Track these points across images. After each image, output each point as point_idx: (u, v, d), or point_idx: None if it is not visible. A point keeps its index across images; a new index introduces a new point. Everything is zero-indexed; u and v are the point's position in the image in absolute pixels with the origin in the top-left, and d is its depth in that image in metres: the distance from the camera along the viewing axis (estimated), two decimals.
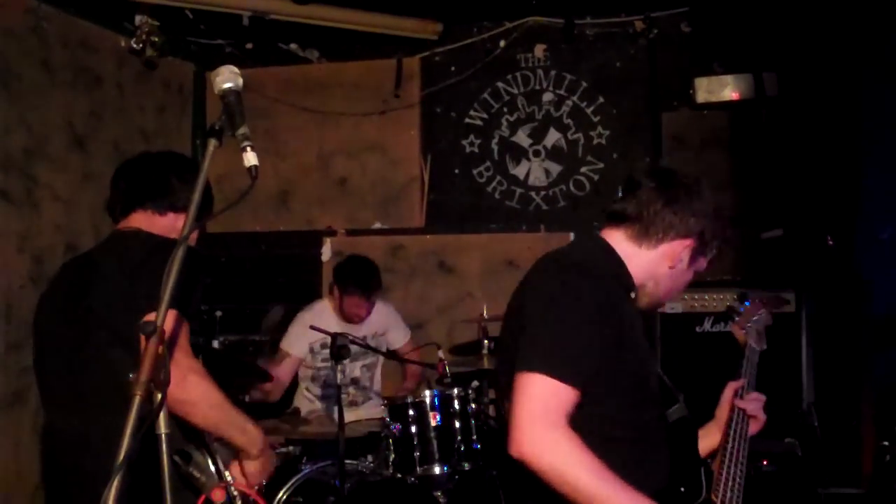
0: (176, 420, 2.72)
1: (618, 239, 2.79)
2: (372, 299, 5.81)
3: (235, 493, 2.81)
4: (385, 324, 6.03)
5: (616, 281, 2.72)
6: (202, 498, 2.63)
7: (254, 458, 2.90)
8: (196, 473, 2.69)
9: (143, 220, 3.08)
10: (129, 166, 3.23)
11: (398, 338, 6.12)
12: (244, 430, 2.88)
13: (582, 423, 2.45)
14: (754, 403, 3.03)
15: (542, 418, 2.42)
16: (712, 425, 3.05)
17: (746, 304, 3.42)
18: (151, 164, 3.21)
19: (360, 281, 5.79)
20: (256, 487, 2.96)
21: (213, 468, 2.79)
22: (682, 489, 2.55)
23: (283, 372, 5.81)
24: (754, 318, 3.27)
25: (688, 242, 2.78)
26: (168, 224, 3.09)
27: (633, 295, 2.78)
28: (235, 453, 2.93)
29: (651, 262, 2.78)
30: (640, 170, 2.90)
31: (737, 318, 3.33)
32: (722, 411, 3.04)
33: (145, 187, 3.12)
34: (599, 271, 2.68)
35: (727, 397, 3.05)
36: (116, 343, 2.80)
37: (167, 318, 2.49)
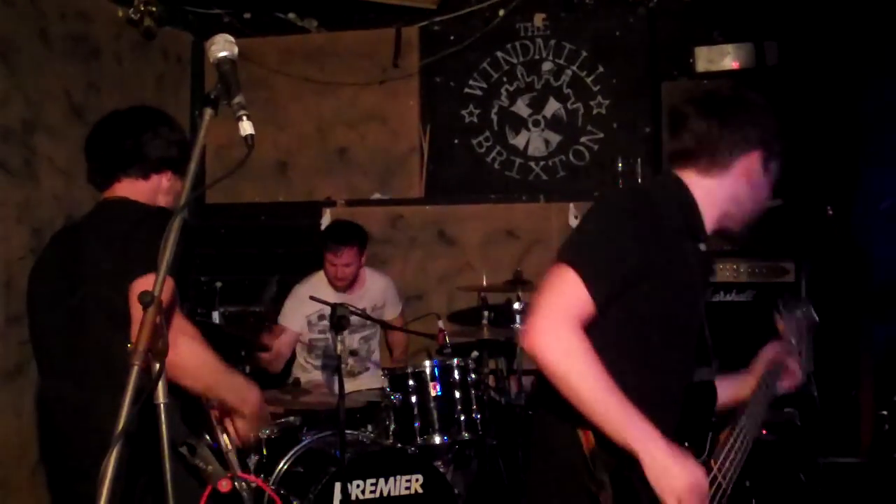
0: (181, 411, 2.78)
1: (691, 178, 2.79)
2: (345, 253, 5.73)
3: (244, 484, 2.83)
4: (384, 297, 6.03)
5: (683, 223, 2.72)
6: (209, 489, 2.63)
7: (245, 417, 3.00)
8: (202, 465, 2.69)
9: (127, 188, 3.09)
10: (100, 133, 3.21)
11: (391, 311, 6.12)
12: (237, 392, 2.98)
13: (599, 342, 2.44)
14: (795, 361, 3.15)
15: (558, 310, 2.44)
16: (747, 376, 3.07)
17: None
18: (121, 126, 3.19)
19: (333, 233, 5.81)
20: (245, 442, 3.05)
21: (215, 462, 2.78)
22: (686, 444, 2.55)
23: (281, 345, 5.82)
24: (799, 312, 3.29)
25: (756, 154, 2.83)
26: (152, 186, 3.13)
27: (702, 246, 2.78)
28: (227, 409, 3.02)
29: (730, 186, 2.80)
30: (680, 102, 2.91)
31: (782, 309, 3.35)
32: (758, 366, 3.10)
33: (121, 155, 3.12)
34: (666, 206, 2.70)
35: (768, 355, 3.11)
36: (104, 314, 2.83)
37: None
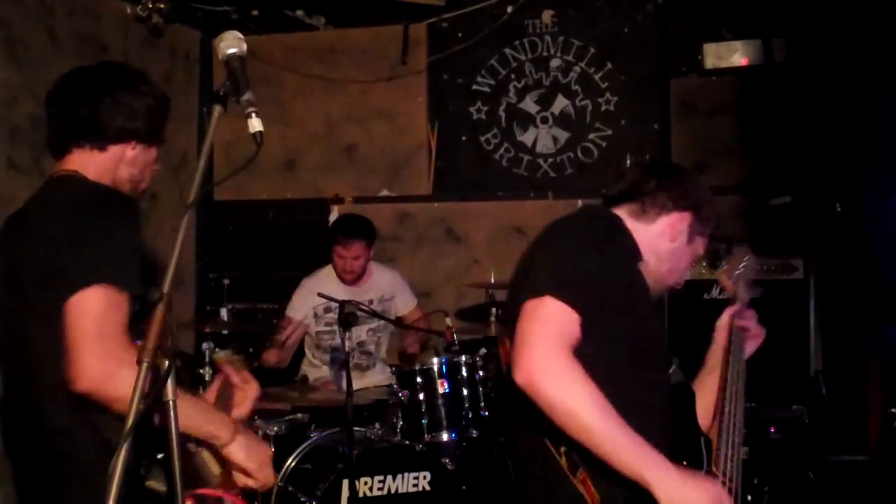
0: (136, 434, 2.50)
1: (623, 215, 2.82)
2: (353, 246, 5.75)
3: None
4: (392, 289, 6.03)
5: (631, 244, 2.76)
6: None
7: (228, 443, 2.54)
8: (158, 486, 2.48)
9: (80, 160, 2.73)
10: (59, 90, 2.79)
11: (405, 304, 6.11)
12: (202, 418, 2.52)
13: (584, 364, 2.42)
14: (752, 321, 3.09)
15: (551, 340, 2.41)
16: (705, 376, 3.05)
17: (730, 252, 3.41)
18: (82, 86, 2.77)
19: (342, 226, 5.83)
20: (263, 484, 2.69)
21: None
22: (685, 463, 2.55)
23: (289, 338, 5.83)
24: (742, 265, 3.25)
25: (686, 216, 2.82)
26: (111, 157, 2.74)
27: (639, 264, 2.78)
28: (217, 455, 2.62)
29: (652, 236, 2.81)
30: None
31: (724, 266, 3.31)
32: (720, 335, 3.08)
33: (73, 123, 2.73)
34: (613, 230, 2.74)
35: (724, 322, 3.08)
36: (35, 316, 2.53)
37: (95, 294, 2.38)
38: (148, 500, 2.46)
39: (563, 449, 2.53)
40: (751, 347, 3.10)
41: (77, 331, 2.36)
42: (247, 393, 2.82)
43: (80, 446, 2.52)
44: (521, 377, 2.40)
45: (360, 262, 5.77)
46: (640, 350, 2.67)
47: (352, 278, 5.79)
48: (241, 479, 2.63)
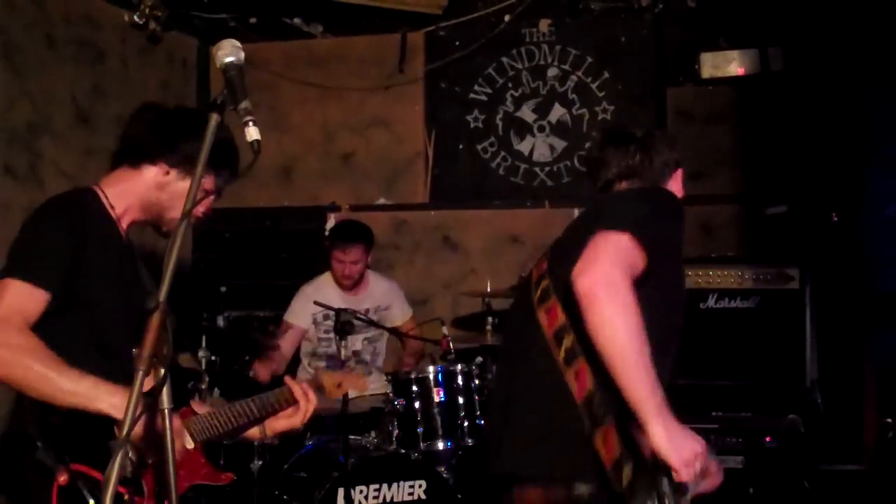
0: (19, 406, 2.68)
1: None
2: (352, 251, 5.75)
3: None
4: (388, 298, 6.03)
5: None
6: (55, 484, 2.51)
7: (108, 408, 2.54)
8: (46, 460, 2.55)
9: (112, 178, 2.94)
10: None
11: (401, 314, 6.11)
12: (76, 394, 2.55)
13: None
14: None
15: (621, 264, 2.52)
16: None
17: None
18: (136, 115, 3.04)
19: (340, 235, 5.84)
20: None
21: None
22: None
23: (286, 344, 5.83)
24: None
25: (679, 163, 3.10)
26: (140, 178, 2.91)
27: None
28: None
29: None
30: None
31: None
32: None
33: (122, 142, 3.00)
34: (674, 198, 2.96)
35: None
36: None
37: (3, 284, 2.60)
38: (36, 471, 2.53)
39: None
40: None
41: None
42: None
43: None
44: (584, 284, 2.49)
45: (359, 267, 5.77)
46: (668, 317, 2.80)
47: (350, 283, 5.78)
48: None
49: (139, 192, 2.90)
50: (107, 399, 2.52)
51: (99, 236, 2.78)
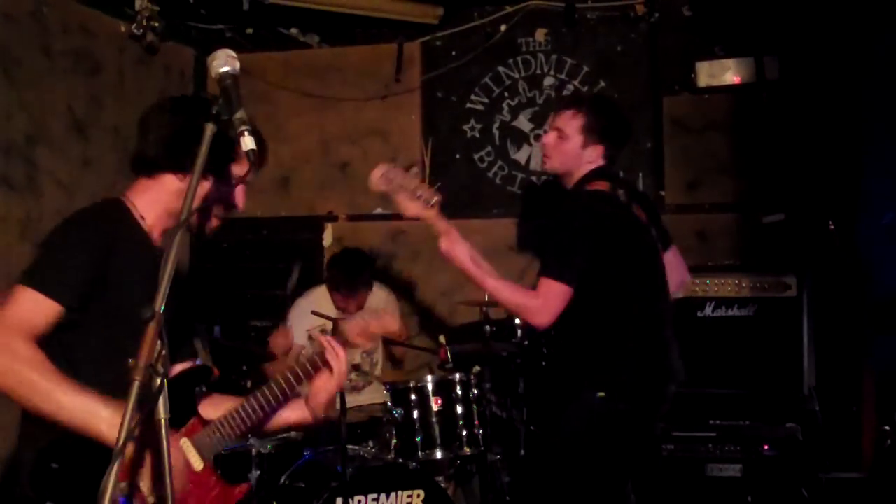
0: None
1: None
2: (360, 297, 5.74)
3: None
4: (387, 309, 6.01)
5: None
6: None
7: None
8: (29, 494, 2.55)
9: (136, 188, 2.93)
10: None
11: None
12: (73, 410, 2.51)
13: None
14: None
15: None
16: None
17: None
18: (143, 117, 3.00)
19: (346, 282, 5.75)
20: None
21: None
22: None
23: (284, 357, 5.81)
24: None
25: None
26: (159, 186, 2.91)
27: None
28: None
29: None
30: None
31: None
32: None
33: (134, 151, 2.96)
34: None
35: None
36: None
37: (18, 291, 2.60)
38: None
39: None
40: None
41: None
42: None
43: None
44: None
45: (364, 302, 5.75)
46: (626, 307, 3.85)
47: (348, 315, 5.71)
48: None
49: (164, 200, 2.89)
50: (107, 418, 2.46)
51: (128, 248, 2.77)
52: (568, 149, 4.18)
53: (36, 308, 2.58)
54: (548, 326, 3.76)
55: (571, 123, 4.16)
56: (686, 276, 4.37)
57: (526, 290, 3.90)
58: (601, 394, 3.69)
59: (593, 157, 4.14)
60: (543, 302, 3.78)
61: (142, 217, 2.87)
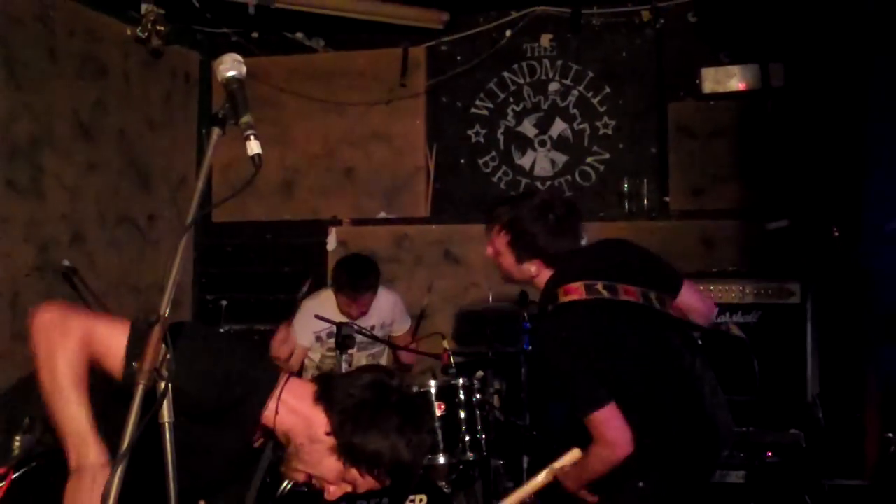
0: None
1: None
2: (363, 300, 5.70)
3: None
4: (392, 314, 5.99)
5: None
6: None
7: (72, 469, 2.34)
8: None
9: None
10: None
11: (400, 327, 6.07)
12: (76, 421, 2.38)
13: None
14: None
15: None
16: None
17: None
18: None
19: (350, 283, 5.71)
20: None
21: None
22: None
23: (293, 361, 5.79)
24: None
25: None
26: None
27: None
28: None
29: None
30: None
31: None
32: None
33: None
34: None
35: None
36: None
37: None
38: None
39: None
40: None
41: None
42: None
43: None
44: None
45: (367, 309, 5.71)
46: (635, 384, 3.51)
47: (353, 319, 5.68)
48: None
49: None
50: (92, 461, 2.31)
51: None
52: (508, 265, 3.73)
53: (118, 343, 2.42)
54: (630, 447, 3.34)
55: (499, 240, 3.72)
56: (712, 309, 3.88)
57: (586, 454, 3.48)
58: (641, 483, 3.49)
59: (535, 270, 3.67)
60: (603, 438, 3.36)
61: None
